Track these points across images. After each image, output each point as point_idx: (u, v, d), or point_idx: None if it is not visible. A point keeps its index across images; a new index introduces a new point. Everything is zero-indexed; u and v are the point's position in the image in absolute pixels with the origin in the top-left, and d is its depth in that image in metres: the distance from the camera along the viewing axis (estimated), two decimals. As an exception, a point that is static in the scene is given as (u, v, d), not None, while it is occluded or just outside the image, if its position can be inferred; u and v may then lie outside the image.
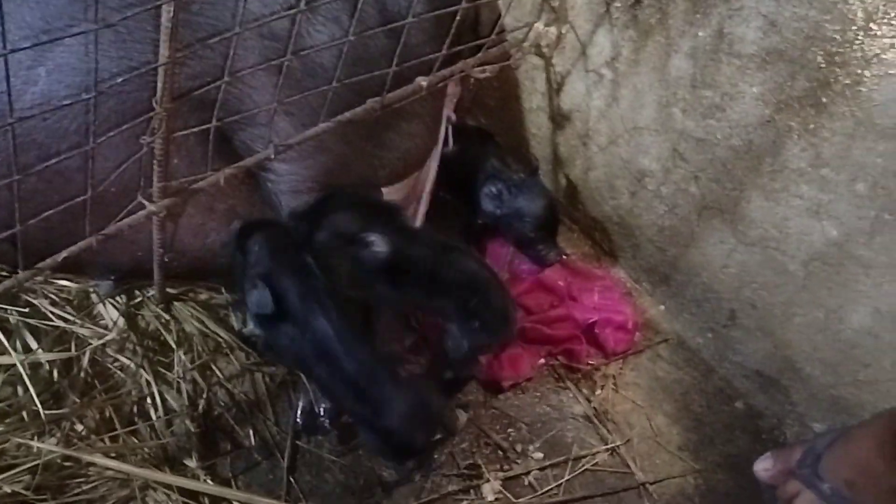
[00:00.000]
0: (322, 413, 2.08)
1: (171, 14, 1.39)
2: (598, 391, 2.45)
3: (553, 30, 2.49)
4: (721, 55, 2.20)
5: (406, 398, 1.92)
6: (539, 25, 2.48)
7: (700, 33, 2.24)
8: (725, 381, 2.55)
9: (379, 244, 2.04)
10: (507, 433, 2.28)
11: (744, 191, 2.28)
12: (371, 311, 2.24)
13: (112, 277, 2.04)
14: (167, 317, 2.07)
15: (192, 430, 1.95)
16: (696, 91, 2.30)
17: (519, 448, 2.25)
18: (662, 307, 2.69)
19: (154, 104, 1.57)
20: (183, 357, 2.04)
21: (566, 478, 2.20)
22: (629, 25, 2.42)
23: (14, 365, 1.84)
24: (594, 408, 2.39)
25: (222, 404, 2.05)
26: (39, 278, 1.91)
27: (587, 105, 2.64)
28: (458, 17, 2.05)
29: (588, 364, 2.49)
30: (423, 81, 2.12)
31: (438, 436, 2.09)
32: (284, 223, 2.08)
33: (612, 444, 2.30)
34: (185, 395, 2.00)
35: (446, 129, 2.39)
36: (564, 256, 2.62)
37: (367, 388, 1.90)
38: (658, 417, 2.42)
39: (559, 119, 2.76)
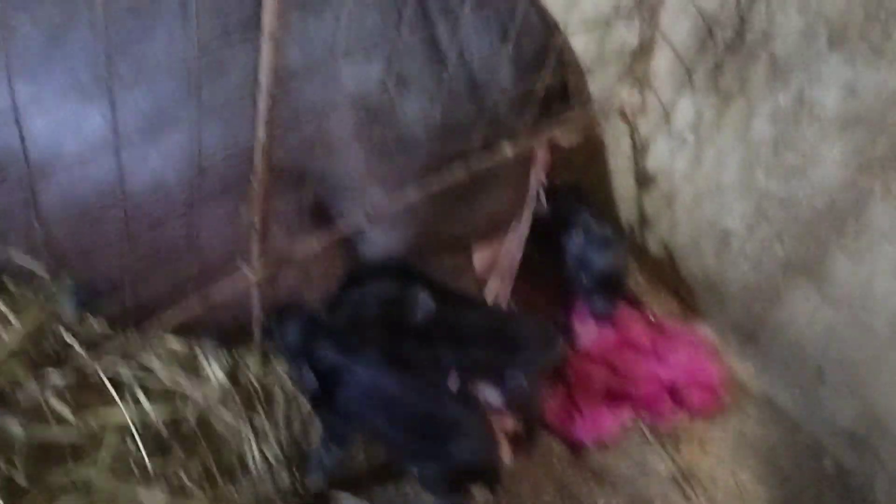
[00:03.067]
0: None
1: (266, 97, 1.50)
2: (683, 449, 2.46)
3: (637, 96, 2.56)
4: (802, 119, 2.24)
5: (476, 419, 2.00)
6: (623, 92, 2.54)
7: (781, 98, 2.28)
8: (813, 438, 2.53)
9: (426, 301, 2.14)
10: (591, 490, 2.30)
11: (828, 250, 2.29)
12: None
13: (215, 338, 2.16)
14: (266, 375, 2.17)
15: (288, 482, 2.03)
16: (777, 153, 2.34)
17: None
18: (749, 365, 2.69)
19: (252, 181, 1.68)
20: (280, 414, 2.13)
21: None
22: (711, 91, 2.47)
23: (125, 418, 1.95)
24: (679, 465, 2.40)
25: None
26: (149, 339, 2.03)
27: (671, 167, 2.69)
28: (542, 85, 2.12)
29: (673, 422, 2.50)
30: (508, 147, 2.20)
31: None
32: (312, 308, 2.17)
33: (698, 503, 2.31)
34: (282, 449, 2.08)
35: (537, 192, 2.45)
36: (646, 315, 2.65)
37: (436, 413, 1.98)
38: (744, 475, 2.42)
39: (644, 180, 2.81)
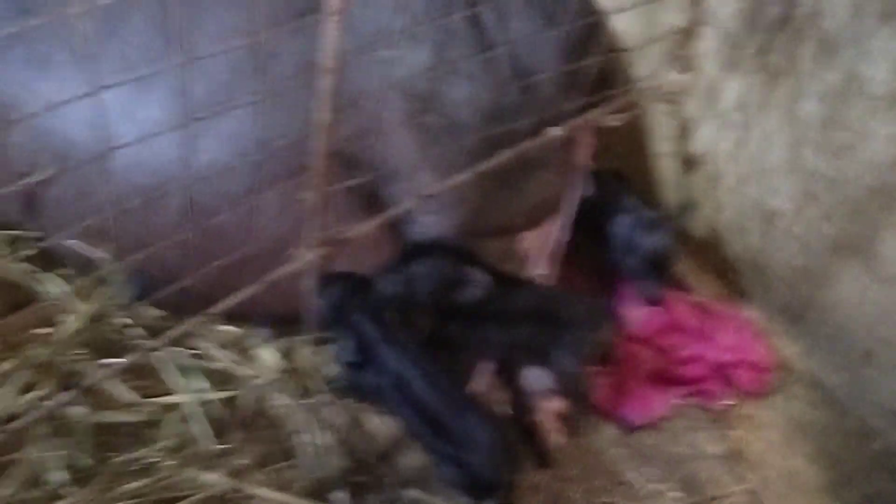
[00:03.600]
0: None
1: (329, 77, 1.52)
2: (733, 431, 2.46)
3: (681, 77, 2.55)
4: (851, 96, 2.23)
5: (489, 433, 1.99)
6: (668, 73, 2.54)
7: (829, 76, 2.27)
8: (862, 420, 2.52)
9: (482, 278, 2.16)
10: (641, 472, 2.31)
11: (877, 229, 2.28)
12: (455, 354, 2.32)
13: (269, 324, 2.19)
14: (319, 360, 2.20)
15: (342, 464, 2.06)
16: (826, 132, 2.33)
17: (653, 487, 2.28)
18: (796, 346, 2.69)
19: (311, 162, 1.71)
20: (332, 396, 2.16)
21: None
22: (758, 70, 2.46)
23: (185, 402, 1.99)
24: (729, 447, 2.40)
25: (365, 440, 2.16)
26: (206, 325, 2.06)
27: (716, 148, 2.69)
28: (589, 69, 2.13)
29: (722, 404, 2.50)
30: (553, 131, 2.21)
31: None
32: (363, 276, 2.19)
33: (749, 485, 2.30)
34: (335, 431, 2.11)
35: (583, 176, 2.46)
36: (692, 296, 2.65)
37: (450, 423, 1.99)
38: (794, 457, 2.41)
39: (688, 162, 2.81)
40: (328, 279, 2.10)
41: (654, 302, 2.59)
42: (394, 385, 2.04)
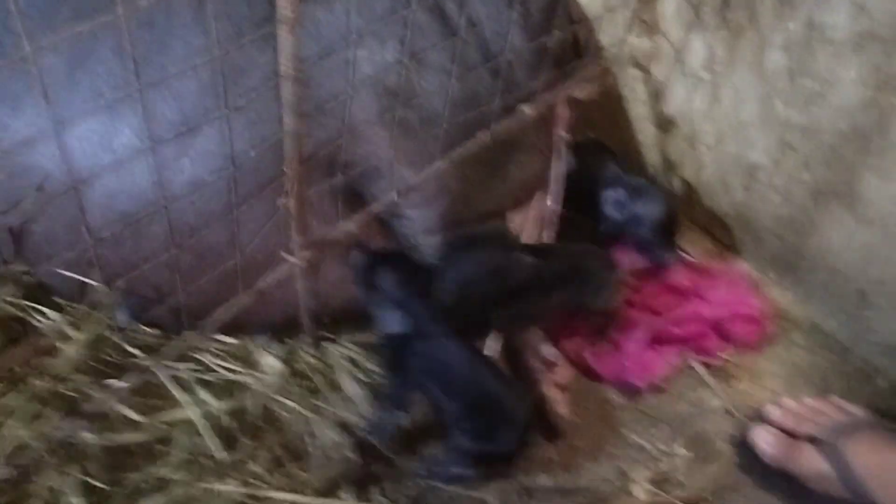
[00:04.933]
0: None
1: (290, 84, 1.55)
2: (736, 384, 2.49)
3: (647, 41, 2.57)
4: (814, 44, 2.25)
5: (523, 411, 2.04)
6: (633, 39, 2.56)
7: (791, 25, 2.29)
8: (864, 360, 2.56)
9: (528, 260, 2.21)
10: (650, 433, 2.34)
11: (855, 172, 2.30)
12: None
13: (267, 333, 2.22)
14: (321, 360, 2.24)
15: (353, 460, 2.10)
16: (794, 81, 2.35)
17: (663, 447, 2.31)
18: (791, 295, 2.72)
19: (285, 169, 1.74)
20: (339, 396, 2.19)
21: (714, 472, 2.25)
22: (720, 27, 2.48)
23: (192, 416, 2.02)
24: (733, 400, 2.43)
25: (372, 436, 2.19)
26: (204, 339, 2.09)
27: (690, 108, 2.71)
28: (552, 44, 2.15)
29: (722, 358, 2.53)
30: (527, 109, 2.23)
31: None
32: (407, 253, 2.23)
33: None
34: (342, 430, 2.14)
35: (563, 149, 2.48)
36: (686, 257, 2.68)
37: (489, 402, 2.02)
38: (799, 403, 2.44)
39: (664, 124, 2.83)
40: (378, 257, 2.17)
41: (666, 267, 2.63)
42: (427, 365, 2.06)
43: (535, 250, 2.30)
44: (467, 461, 2.08)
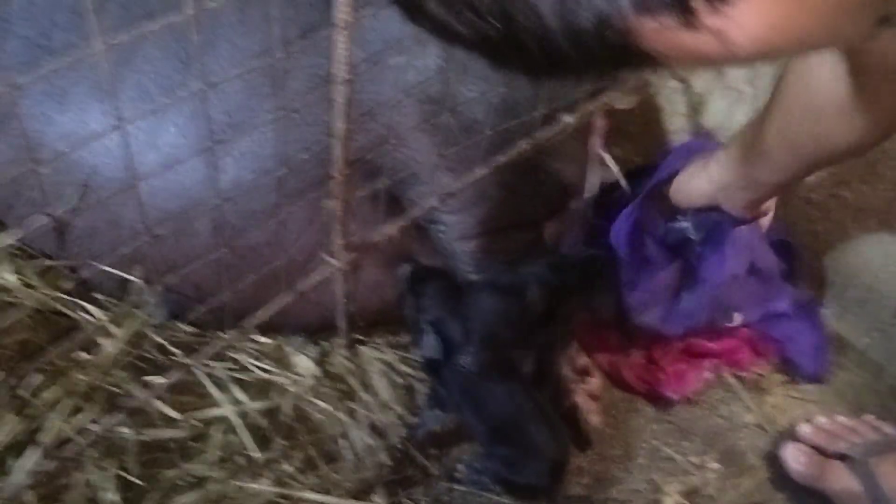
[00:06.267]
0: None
1: (343, 87, 1.56)
2: (769, 399, 2.47)
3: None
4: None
5: (556, 447, 2.04)
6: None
7: (836, 41, 2.27)
8: (897, 379, 2.54)
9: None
10: (682, 446, 2.34)
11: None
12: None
13: (302, 335, 2.24)
14: (355, 363, 2.25)
15: (387, 463, 2.11)
16: (838, 97, 2.33)
17: (694, 460, 2.30)
18: (826, 312, 2.70)
19: (332, 172, 1.75)
20: (374, 398, 2.21)
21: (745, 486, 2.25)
22: (763, 41, 2.47)
23: (227, 415, 2.04)
24: (766, 415, 2.42)
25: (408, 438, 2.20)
26: (241, 339, 2.11)
27: (730, 121, 2.70)
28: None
29: (755, 373, 2.51)
30: (567, 118, 2.23)
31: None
32: (451, 273, 2.25)
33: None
34: (376, 432, 2.16)
35: (600, 158, 2.48)
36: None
37: (515, 432, 2.03)
38: (832, 420, 2.42)
39: (703, 138, 2.82)
40: (423, 273, 2.21)
41: None
42: (460, 389, 2.09)
43: (549, 265, 2.30)
44: (497, 485, 2.09)
